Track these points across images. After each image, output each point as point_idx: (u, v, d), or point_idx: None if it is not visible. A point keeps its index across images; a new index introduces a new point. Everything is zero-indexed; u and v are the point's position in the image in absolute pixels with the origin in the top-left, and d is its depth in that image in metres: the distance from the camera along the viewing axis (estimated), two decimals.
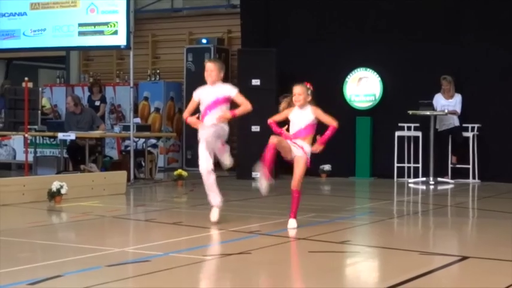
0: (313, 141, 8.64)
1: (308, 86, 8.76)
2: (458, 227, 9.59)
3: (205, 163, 8.84)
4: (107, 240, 8.14)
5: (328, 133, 8.61)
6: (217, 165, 9.09)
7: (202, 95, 9.00)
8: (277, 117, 8.83)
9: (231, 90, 8.99)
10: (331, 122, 8.65)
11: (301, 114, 8.67)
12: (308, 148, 8.59)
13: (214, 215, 8.89)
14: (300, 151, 8.55)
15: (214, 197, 8.93)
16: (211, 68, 8.99)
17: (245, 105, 9.00)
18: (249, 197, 12.36)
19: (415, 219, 10.43)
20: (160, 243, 8.08)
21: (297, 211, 8.63)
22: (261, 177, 8.60)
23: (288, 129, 8.71)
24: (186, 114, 9.12)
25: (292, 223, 8.55)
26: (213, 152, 8.98)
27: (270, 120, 8.86)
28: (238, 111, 9.00)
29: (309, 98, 8.71)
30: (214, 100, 8.88)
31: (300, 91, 8.67)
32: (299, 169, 8.57)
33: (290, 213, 8.61)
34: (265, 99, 14.17)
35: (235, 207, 10.51)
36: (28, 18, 15.11)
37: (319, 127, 8.80)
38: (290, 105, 8.74)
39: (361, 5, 16.15)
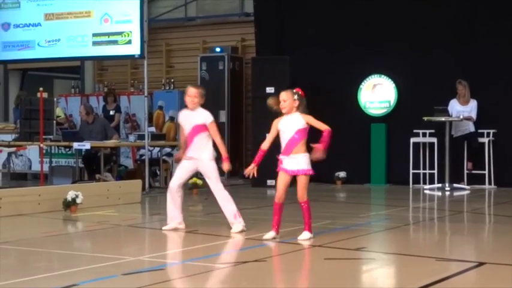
0: (307, 145, 8.34)
1: (296, 91, 8.40)
2: (474, 233, 9.54)
3: (175, 180, 9.12)
4: (122, 249, 8.14)
5: (325, 139, 8.23)
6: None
7: (184, 122, 9.20)
8: (270, 137, 8.48)
9: (206, 118, 9.07)
10: (323, 126, 8.29)
11: (290, 120, 8.35)
12: (303, 160, 8.28)
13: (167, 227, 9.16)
14: (300, 169, 8.30)
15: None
16: (194, 94, 9.08)
17: (216, 139, 9.05)
18: (263, 205, 12.34)
19: (431, 225, 10.39)
20: (176, 251, 8.09)
21: (311, 222, 8.40)
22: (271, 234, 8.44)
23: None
24: (182, 143, 9.34)
25: (305, 235, 8.30)
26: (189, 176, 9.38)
27: (264, 148, 8.51)
28: (224, 152, 9.02)
29: (296, 104, 8.33)
30: (193, 127, 9.04)
31: (285, 97, 8.35)
32: (300, 182, 8.32)
33: (304, 225, 8.38)
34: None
35: (250, 215, 10.48)
36: (42, 29, 15.18)
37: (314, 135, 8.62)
38: (278, 102, 8.41)
39: (375, 12, 16.11)
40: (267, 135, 8.54)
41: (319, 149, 8.23)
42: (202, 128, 9.03)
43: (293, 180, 8.42)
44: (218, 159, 9.08)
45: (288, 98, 8.34)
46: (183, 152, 9.28)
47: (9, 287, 6.07)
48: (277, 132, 8.42)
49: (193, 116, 9.08)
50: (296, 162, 8.30)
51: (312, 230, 8.36)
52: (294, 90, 8.43)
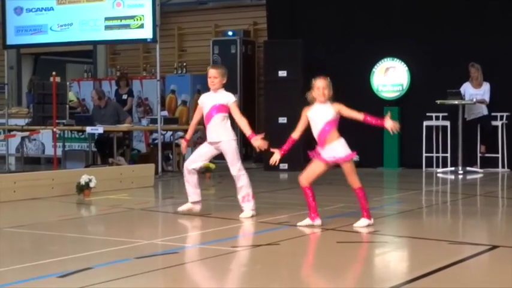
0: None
1: (329, 79, 8.12)
2: (487, 216, 9.52)
3: (189, 163, 8.99)
4: (135, 233, 8.17)
5: (371, 122, 8.29)
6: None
7: (204, 103, 8.98)
8: (300, 126, 8.16)
9: (229, 98, 8.89)
10: (358, 115, 8.11)
11: (320, 111, 8.04)
12: (339, 147, 7.99)
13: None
14: (338, 156, 7.99)
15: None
16: (214, 75, 8.88)
17: (239, 120, 8.86)
18: (277, 188, 12.36)
19: (444, 208, 10.39)
20: (189, 235, 8.12)
21: (368, 207, 8.12)
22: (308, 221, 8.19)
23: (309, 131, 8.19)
24: (192, 124, 9.28)
25: (362, 222, 8.04)
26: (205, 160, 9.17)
27: (294, 137, 8.19)
28: (249, 131, 8.84)
29: (331, 93, 8.06)
30: (212, 107, 8.85)
31: (323, 85, 7.99)
32: (345, 169, 8.03)
33: (362, 211, 8.11)
34: (291, 91, 14.18)
35: (264, 198, 10.51)
36: (55, 13, 15.21)
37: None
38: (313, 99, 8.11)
39: None
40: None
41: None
42: (222, 107, 8.83)
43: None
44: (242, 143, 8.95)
45: (326, 86, 8.01)
46: (189, 136, 9.23)
47: (24, 271, 6.11)
48: (307, 121, 8.11)
49: (215, 97, 8.88)
50: (333, 150, 7.99)
51: (370, 216, 8.11)
52: (328, 79, 8.10)
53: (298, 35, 16.34)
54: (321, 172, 8.12)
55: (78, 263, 6.26)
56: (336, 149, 7.99)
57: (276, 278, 5.93)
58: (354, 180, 8.09)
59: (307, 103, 8.19)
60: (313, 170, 8.11)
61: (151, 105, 18.18)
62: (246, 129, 8.83)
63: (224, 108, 8.87)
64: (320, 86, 8.00)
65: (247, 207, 8.85)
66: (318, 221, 8.12)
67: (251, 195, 8.89)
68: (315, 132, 8.08)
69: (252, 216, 8.78)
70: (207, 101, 8.95)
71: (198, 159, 9.03)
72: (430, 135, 15.42)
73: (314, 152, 8.12)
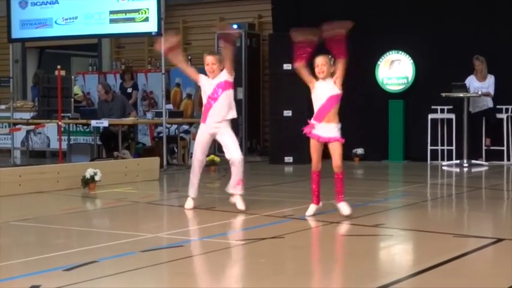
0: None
1: (330, 56, 8.37)
2: (492, 209, 9.51)
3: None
4: (141, 226, 8.18)
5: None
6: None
7: (206, 85, 8.92)
8: (306, 73, 8.40)
9: (228, 73, 8.89)
10: (340, 65, 8.23)
11: (324, 86, 8.28)
12: (334, 130, 8.18)
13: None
14: (333, 136, 8.20)
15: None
16: (211, 61, 8.88)
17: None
18: (281, 182, 12.36)
19: (449, 201, 10.38)
20: (194, 228, 8.13)
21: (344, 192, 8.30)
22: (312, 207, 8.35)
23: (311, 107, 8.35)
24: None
25: (342, 206, 8.21)
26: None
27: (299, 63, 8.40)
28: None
29: (332, 69, 8.30)
30: (217, 85, 8.81)
31: (322, 61, 8.27)
32: (335, 149, 8.17)
33: (337, 195, 8.25)
34: (296, 84, 14.07)
35: (268, 192, 10.52)
36: (60, 7, 15.21)
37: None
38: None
39: None
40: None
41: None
42: (227, 84, 8.85)
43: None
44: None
45: (326, 63, 8.26)
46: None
47: (29, 264, 6.13)
48: (308, 77, 8.34)
49: (217, 79, 8.86)
50: (327, 130, 8.20)
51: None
52: (329, 56, 8.33)
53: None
54: (319, 150, 8.28)
55: (83, 257, 6.27)
56: (331, 130, 8.20)
57: (280, 271, 5.94)
58: (340, 162, 8.20)
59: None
60: (313, 154, 8.28)
61: (156, 99, 18.17)
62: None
63: (229, 85, 8.87)
64: (319, 63, 8.29)
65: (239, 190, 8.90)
66: (320, 204, 8.35)
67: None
68: (316, 106, 8.28)
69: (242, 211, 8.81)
70: (208, 85, 8.90)
71: (204, 149, 9.04)
72: (435, 128, 15.41)
73: (308, 127, 8.28)
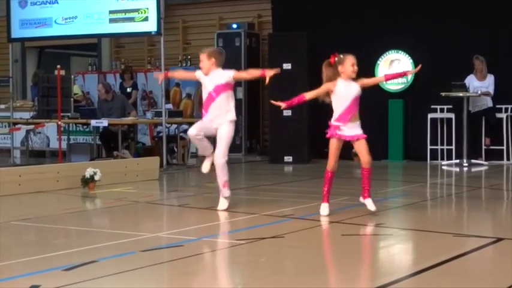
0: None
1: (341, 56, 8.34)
2: (492, 209, 9.52)
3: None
4: (140, 226, 8.19)
5: (398, 75, 8.92)
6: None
7: (205, 82, 8.87)
8: (316, 93, 8.28)
9: (228, 74, 8.83)
10: (378, 78, 8.36)
11: (349, 86, 8.21)
12: (359, 127, 8.27)
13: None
14: (360, 133, 8.28)
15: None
16: (200, 59, 8.86)
17: (248, 73, 9.21)
18: (281, 181, 12.36)
19: (448, 201, 10.38)
20: (194, 228, 8.12)
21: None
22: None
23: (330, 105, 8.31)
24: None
25: (368, 203, 8.29)
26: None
27: (306, 97, 8.32)
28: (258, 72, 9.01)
29: (356, 70, 8.27)
30: (215, 87, 8.75)
31: (355, 61, 8.20)
32: (363, 146, 8.28)
33: (364, 192, 8.33)
34: (296, 83, 14.13)
35: (268, 191, 10.52)
36: (59, 6, 15.21)
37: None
38: (334, 74, 8.25)
39: None
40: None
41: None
42: (225, 87, 8.78)
43: (320, 154, 8.29)
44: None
45: (355, 63, 8.19)
46: (173, 73, 9.84)
47: (29, 264, 6.13)
48: (325, 93, 8.23)
49: (215, 77, 8.78)
50: (352, 129, 8.23)
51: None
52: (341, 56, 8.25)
53: (302, 28, 16.32)
54: (339, 150, 8.27)
55: (83, 256, 6.27)
56: (356, 129, 8.26)
57: (280, 271, 5.94)
58: (370, 158, 8.32)
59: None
60: (333, 153, 8.25)
61: (155, 98, 18.18)
62: (256, 71, 9.01)
63: (228, 87, 8.82)
64: (355, 62, 8.21)
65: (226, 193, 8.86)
66: (325, 206, 8.32)
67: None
68: (341, 108, 8.20)
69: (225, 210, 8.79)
70: (207, 82, 8.85)
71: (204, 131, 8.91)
72: (434, 127, 15.41)
73: (333, 130, 8.22)
